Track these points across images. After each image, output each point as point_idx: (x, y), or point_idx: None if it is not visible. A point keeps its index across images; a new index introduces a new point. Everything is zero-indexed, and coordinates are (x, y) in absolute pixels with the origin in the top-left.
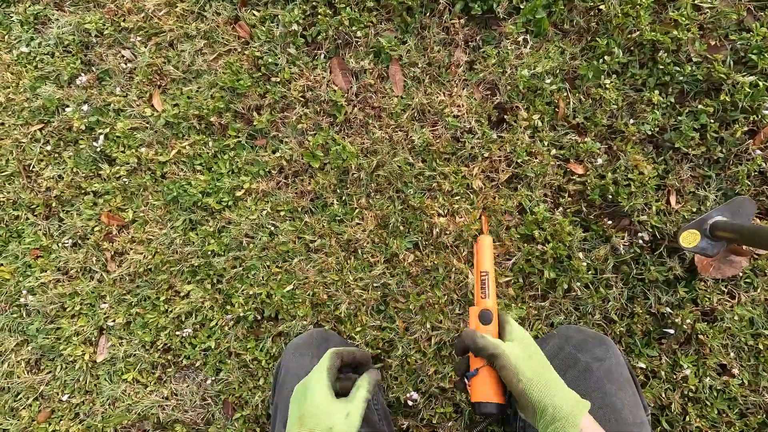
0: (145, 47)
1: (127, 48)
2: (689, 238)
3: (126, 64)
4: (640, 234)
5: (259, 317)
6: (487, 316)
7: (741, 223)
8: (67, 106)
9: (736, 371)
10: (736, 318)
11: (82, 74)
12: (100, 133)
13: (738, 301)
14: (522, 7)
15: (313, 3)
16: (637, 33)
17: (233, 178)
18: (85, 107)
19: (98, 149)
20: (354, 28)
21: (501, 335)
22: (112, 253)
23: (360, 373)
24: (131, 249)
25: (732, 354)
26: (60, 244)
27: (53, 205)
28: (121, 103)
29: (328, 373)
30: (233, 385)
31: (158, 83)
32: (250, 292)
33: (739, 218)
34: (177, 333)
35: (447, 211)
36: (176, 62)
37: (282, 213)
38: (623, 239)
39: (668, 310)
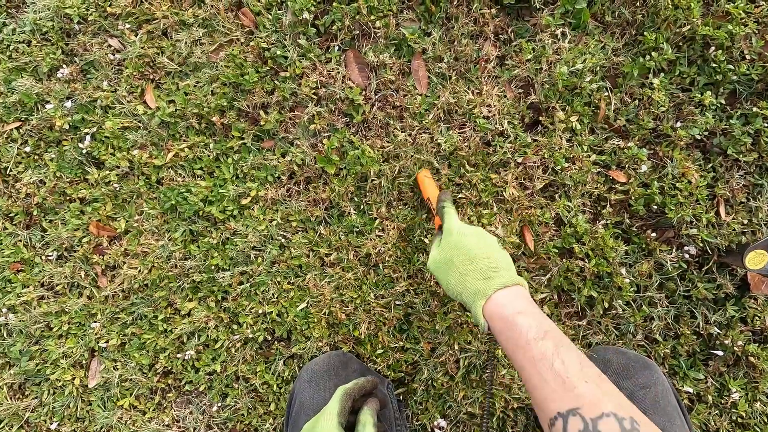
0: (136, 36)
1: (114, 36)
2: (756, 260)
3: (114, 54)
4: (686, 248)
5: (269, 338)
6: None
7: None
8: (48, 102)
9: None
10: None
11: (64, 66)
12: (86, 133)
13: None
14: None
15: None
16: (688, 27)
17: (238, 184)
18: (68, 103)
19: (84, 151)
20: (372, 17)
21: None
22: (103, 267)
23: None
24: (124, 263)
25: None
26: (43, 257)
27: (34, 213)
28: (109, 99)
29: (339, 417)
30: (242, 411)
31: (151, 77)
32: (260, 311)
33: None
34: (178, 355)
35: (478, 223)
36: (171, 53)
37: (293, 223)
38: (669, 253)
39: (716, 330)
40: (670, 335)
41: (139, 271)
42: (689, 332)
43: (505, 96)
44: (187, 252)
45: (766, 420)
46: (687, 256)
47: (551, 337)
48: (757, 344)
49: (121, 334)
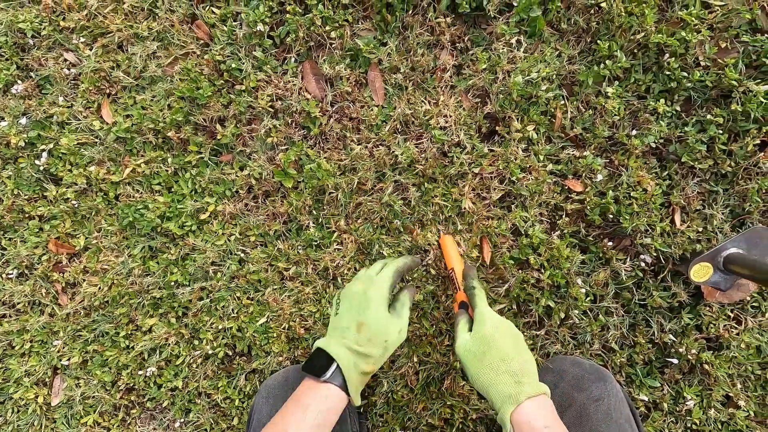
0: (90, 50)
1: (69, 51)
2: (701, 272)
3: (69, 69)
4: (642, 256)
5: (230, 353)
6: (463, 306)
7: (759, 259)
8: (2, 119)
9: (742, 403)
10: (742, 346)
11: (19, 81)
12: (43, 150)
13: (745, 327)
14: (515, 4)
15: None
16: (642, 34)
17: (197, 199)
18: (23, 120)
19: (41, 168)
20: (327, 27)
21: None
22: (63, 284)
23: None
24: (84, 280)
25: (738, 384)
26: (3, 276)
27: None
28: (65, 114)
29: (389, 290)
30: (204, 426)
31: (107, 91)
32: (220, 326)
33: (757, 251)
34: (140, 372)
35: (437, 236)
36: (127, 67)
37: (252, 238)
38: (624, 263)
39: (671, 338)
40: (627, 344)
41: (99, 288)
42: (644, 341)
43: (462, 106)
44: (147, 268)
45: (719, 427)
46: (642, 264)
47: None
48: (711, 351)
49: (83, 352)
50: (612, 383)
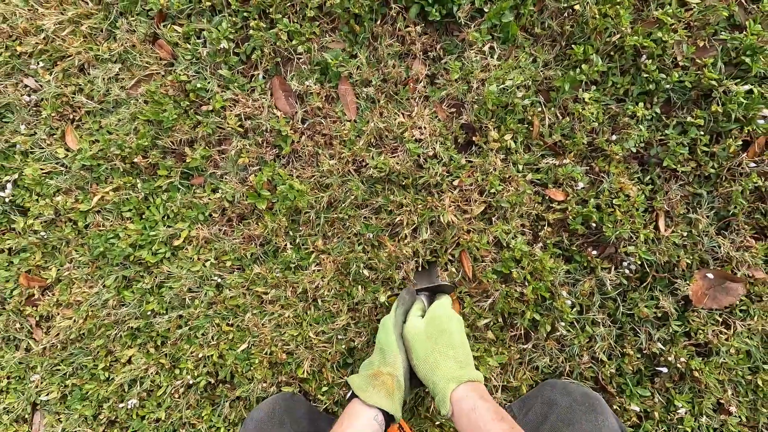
0: (51, 74)
1: (29, 76)
2: None
3: (30, 95)
4: (626, 263)
5: (212, 381)
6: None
7: None
8: None
9: (733, 408)
10: (732, 351)
11: None
12: (7, 181)
13: (734, 332)
14: (486, 10)
15: (244, 14)
16: (618, 36)
17: (169, 224)
18: None
19: (7, 199)
20: (294, 42)
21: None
22: (37, 318)
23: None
24: (59, 313)
25: (729, 390)
26: None
27: None
28: (28, 143)
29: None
30: None
31: (71, 117)
32: (200, 355)
33: None
34: (121, 405)
35: (418, 253)
36: (89, 91)
37: (228, 263)
38: (609, 272)
39: (660, 347)
40: (615, 354)
41: (74, 320)
42: (633, 351)
43: (437, 117)
44: (122, 298)
45: None
46: (627, 271)
47: (507, 420)
48: (701, 358)
49: (61, 386)
50: (604, 414)
